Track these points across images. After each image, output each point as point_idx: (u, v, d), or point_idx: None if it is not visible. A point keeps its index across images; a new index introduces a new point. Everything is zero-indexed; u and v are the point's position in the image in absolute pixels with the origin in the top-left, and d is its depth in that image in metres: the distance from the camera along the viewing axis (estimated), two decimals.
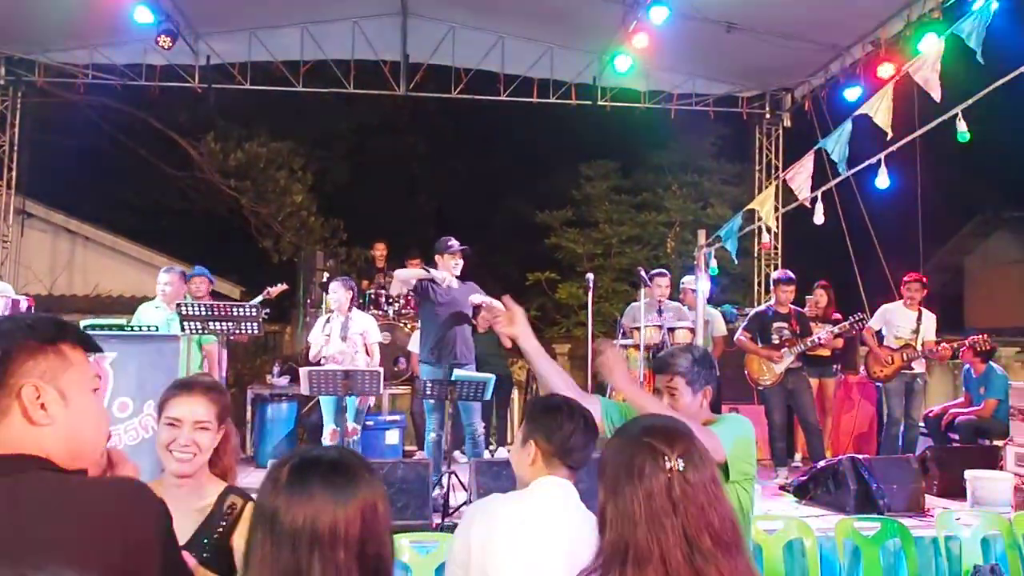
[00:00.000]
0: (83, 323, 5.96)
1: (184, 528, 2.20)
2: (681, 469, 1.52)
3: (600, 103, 10.35)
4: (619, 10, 8.87)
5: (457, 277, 6.35)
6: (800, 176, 4.09)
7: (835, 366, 7.43)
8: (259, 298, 7.48)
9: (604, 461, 1.62)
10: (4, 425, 1.28)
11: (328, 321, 6.66)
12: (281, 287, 7.70)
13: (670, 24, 8.46)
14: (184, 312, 5.43)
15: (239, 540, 2.25)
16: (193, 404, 2.27)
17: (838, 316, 7.63)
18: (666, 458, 1.53)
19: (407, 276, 6.33)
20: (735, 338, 7.18)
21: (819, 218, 4.14)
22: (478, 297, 6.17)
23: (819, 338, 6.84)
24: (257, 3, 9.22)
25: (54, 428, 1.30)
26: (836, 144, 3.82)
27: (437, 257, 6.37)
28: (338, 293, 6.58)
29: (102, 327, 5.31)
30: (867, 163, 3.78)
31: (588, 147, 14.85)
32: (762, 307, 7.44)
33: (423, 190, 17.67)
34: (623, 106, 10.55)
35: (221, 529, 2.24)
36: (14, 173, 10.27)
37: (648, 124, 11.64)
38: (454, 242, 6.34)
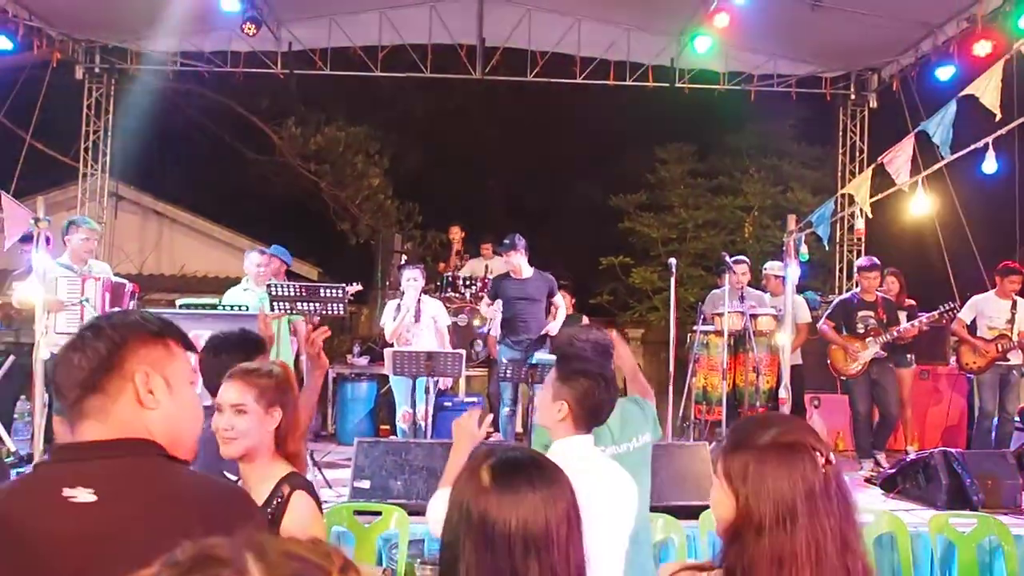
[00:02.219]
0: (178, 302, 6.19)
1: None
2: (832, 462, 1.48)
3: (678, 85, 10.19)
4: None
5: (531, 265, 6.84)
6: (899, 160, 3.94)
7: (909, 356, 7.12)
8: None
9: (737, 468, 1.51)
10: (118, 405, 1.36)
11: (399, 307, 6.70)
12: (356, 287, 7.60)
13: (752, 3, 8.27)
14: (273, 292, 5.58)
15: (287, 528, 2.23)
16: (229, 388, 2.33)
17: (911, 302, 7.39)
18: (818, 452, 1.48)
19: (490, 315, 7.18)
20: (818, 327, 7.01)
21: (922, 205, 3.99)
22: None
23: (904, 328, 6.62)
24: None
25: (159, 413, 1.38)
26: (939, 126, 3.67)
27: (504, 255, 6.89)
28: (417, 279, 6.63)
29: (196, 306, 5.48)
30: (973, 147, 3.63)
31: (663, 130, 14.64)
32: (847, 295, 7.24)
33: (494, 174, 17.70)
34: (701, 88, 10.37)
35: (269, 518, 2.24)
36: (108, 158, 10.69)
37: (726, 106, 11.41)
38: (507, 240, 6.83)
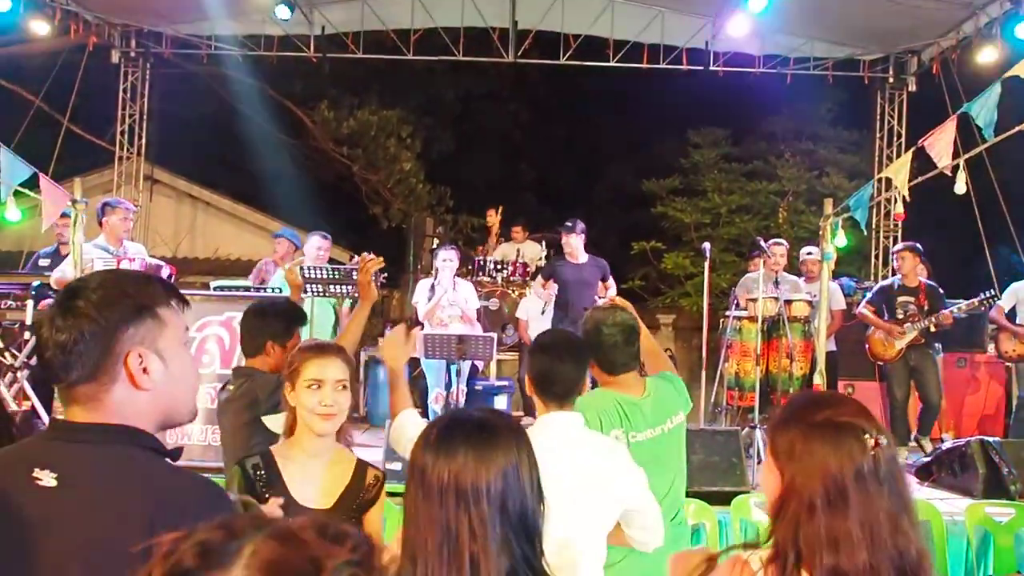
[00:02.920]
0: (212, 284, 6.26)
1: (327, 488, 2.30)
2: (885, 444, 1.46)
3: (712, 68, 10.07)
4: None
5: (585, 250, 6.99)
6: (941, 142, 3.85)
7: (937, 344, 6.96)
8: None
9: (785, 446, 1.51)
10: (110, 392, 1.32)
11: (432, 288, 6.73)
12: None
13: None
14: (306, 275, 5.61)
15: (375, 514, 2.36)
16: (332, 365, 2.33)
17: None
18: (867, 435, 1.46)
19: (542, 297, 7.30)
20: (857, 311, 6.91)
21: (961, 188, 3.90)
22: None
23: (942, 314, 6.49)
24: None
25: (155, 391, 1.35)
26: (983, 108, 3.59)
27: (565, 236, 6.98)
28: (452, 260, 6.66)
29: (230, 287, 5.53)
30: (1017, 129, 3.53)
31: (696, 114, 14.49)
32: (888, 280, 7.13)
33: (525, 158, 17.67)
34: (736, 71, 10.23)
35: (360, 502, 2.33)
36: (143, 141, 10.83)
37: (761, 90, 11.24)
38: (569, 223, 6.95)
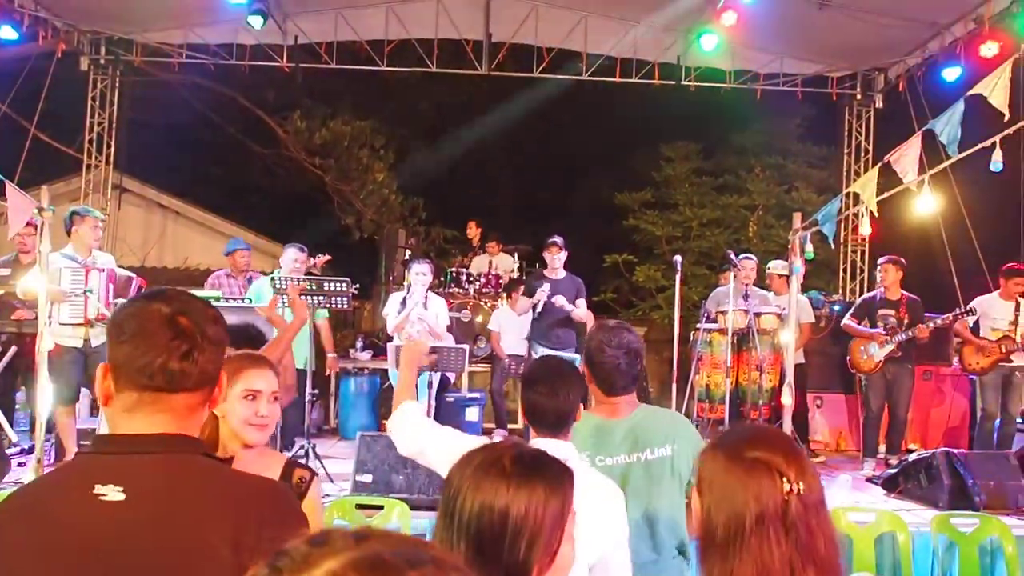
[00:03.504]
0: None
1: None
2: (800, 492, 1.41)
3: (684, 83, 10.18)
4: None
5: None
6: (906, 158, 3.93)
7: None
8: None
9: (709, 474, 1.50)
10: (194, 408, 1.38)
11: (404, 301, 6.67)
12: (325, 257, 7.55)
13: (760, 2, 8.26)
14: (277, 285, 5.58)
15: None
16: (267, 376, 2.33)
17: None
18: (784, 478, 1.41)
19: (524, 308, 7.19)
20: (842, 323, 7.02)
21: (928, 204, 3.98)
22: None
23: (917, 328, 6.59)
24: None
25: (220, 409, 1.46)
26: (946, 125, 3.66)
27: (546, 253, 7.15)
28: (426, 274, 6.60)
29: (206, 299, 5.45)
30: (981, 146, 3.61)
31: (668, 128, 14.62)
32: (871, 293, 7.25)
33: (500, 171, 17.70)
34: (707, 86, 10.35)
35: None
36: (112, 149, 10.70)
37: (732, 104, 11.41)
38: (554, 238, 7.13)
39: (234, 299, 6.20)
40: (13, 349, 5.75)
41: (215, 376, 1.39)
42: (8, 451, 5.44)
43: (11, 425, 6.01)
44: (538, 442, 2.39)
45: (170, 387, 1.32)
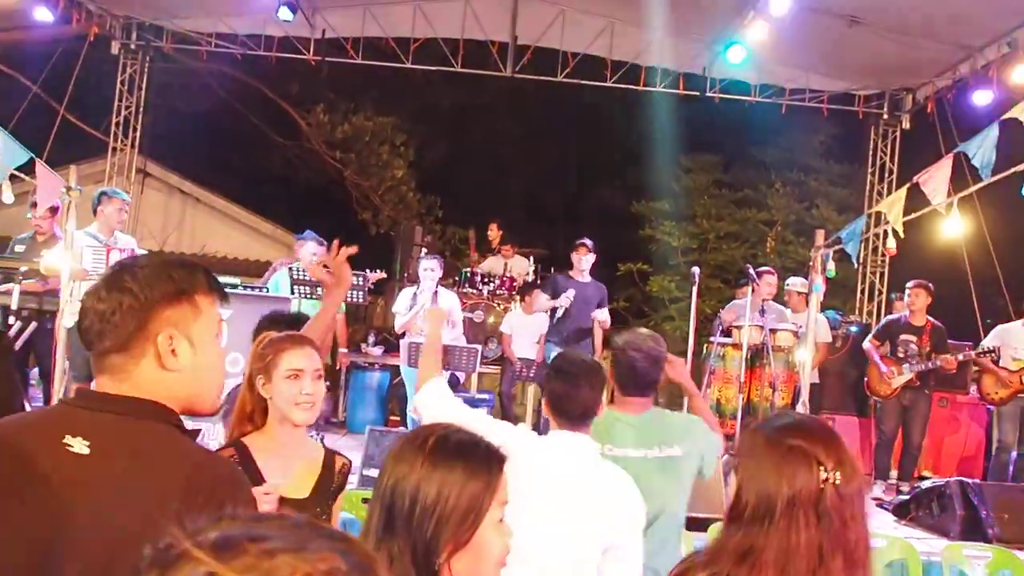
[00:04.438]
0: None
1: (301, 478, 2.32)
2: (837, 482, 1.44)
3: (708, 94, 10.15)
4: None
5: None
6: (935, 180, 3.89)
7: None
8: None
9: (745, 455, 1.55)
10: (138, 366, 1.37)
11: (415, 296, 6.70)
12: (380, 274, 7.59)
13: (789, 16, 8.20)
14: (294, 276, 5.59)
15: (341, 502, 2.41)
16: (309, 355, 2.34)
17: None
18: (821, 467, 1.44)
19: (542, 308, 7.20)
20: (864, 344, 6.94)
21: (955, 227, 3.93)
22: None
23: (944, 359, 6.50)
24: None
25: (181, 374, 1.38)
26: (979, 148, 3.62)
27: (575, 254, 7.10)
28: (435, 270, 6.64)
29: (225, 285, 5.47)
30: (1014, 170, 3.57)
31: (688, 138, 14.54)
32: (896, 315, 7.17)
33: (516, 173, 17.69)
34: (731, 98, 10.31)
35: (331, 490, 2.35)
36: (138, 134, 10.76)
37: (755, 118, 11.35)
38: (584, 240, 7.09)
39: (254, 288, 6.20)
40: (33, 325, 5.79)
41: (140, 333, 1.35)
42: None
43: (28, 401, 6.04)
44: (557, 434, 2.45)
45: (98, 347, 1.38)
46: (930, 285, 6.77)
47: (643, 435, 2.82)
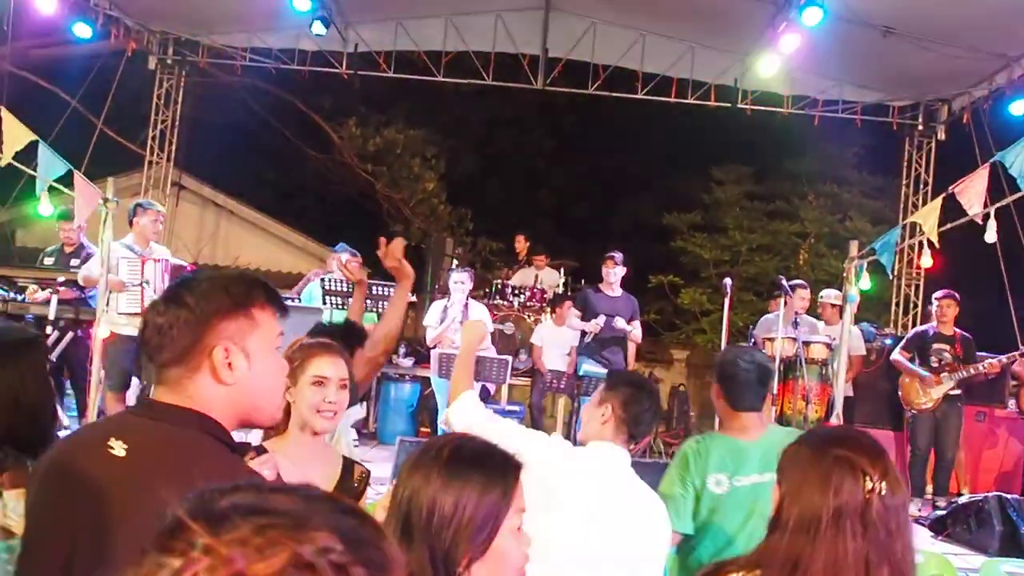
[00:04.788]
0: None
1: (320, 485, 2.30)
2: (883, 492, 1.44)
3: (740, 106, 10.09)
4: (769, 10, 8.60)
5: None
6: (971, 190, 3.83)
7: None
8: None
9: (789, 466, 1.55)
10: (194, 380, 1.38)
11: (446, 308, 6.75)
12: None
13: (823, 26, 8.14)
14: (326, 287, 5.64)
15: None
16: (337, 363, 2.34)
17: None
18: (867, 477, 1.45)
19: (574, 326, 7.23)
20: (892, 357, 6.84)
21: (991, 236, 3.88)
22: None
23: (987, 364, 6.39)
24: None
25: (237, 387, 1.39)
26: (1016, 157, 3.57)
27: (606, 267, 7.04)
28: (466, 283, 6.68)
29: None
30: None
31: (720, 150, 14.50)
32: (923, 327, 7.06)
33: (545, 186, 17.73)
34: (763, 110, 10.25)
35: (352, 498, 2.32)
36: (173, 147, 10.95)
37: (787, 130, 11.28)
38: (614, 253, 7.02)
39: (286, 298, 6.28)
40: (70, 335, 5.90)
41: (196, 347, 1.38)
42: (60, 434, 5.56)
43: (62, 409, 6.15)
44: (606, 446, 2.43)
45: (157, 360, 1.40)
46: (957, 296, 6.69)
47: (765, 458, 2.67)
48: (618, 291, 7.05)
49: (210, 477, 1.29)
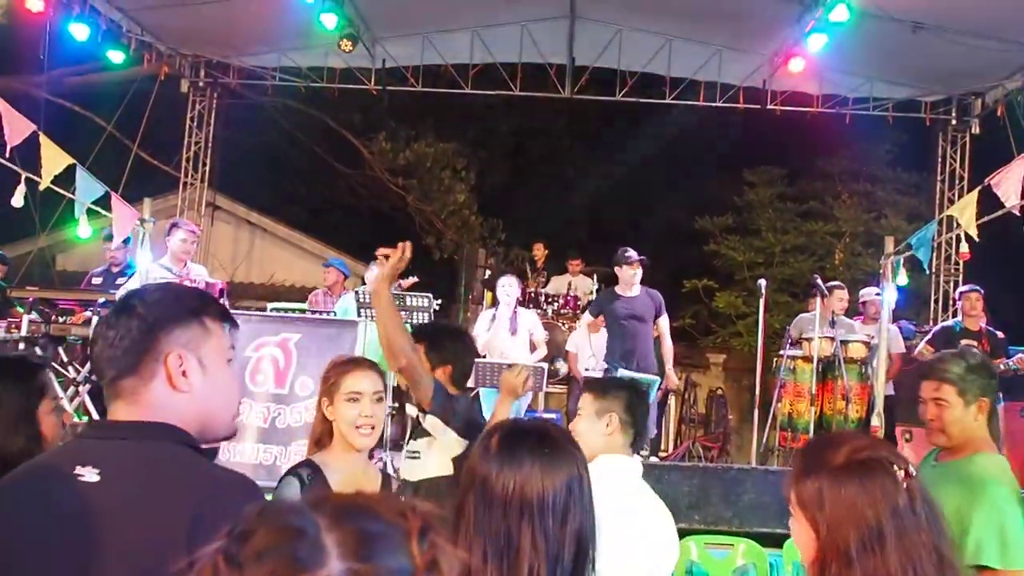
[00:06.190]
0: (270, 306, 6.38)
1: None
2: (913, 473, 1.40)
3: (769, 107, 10.02)
4: (796, 9, 8.54)
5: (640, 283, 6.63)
6: (1008, 182, 3.77)
7: (999, 392, 6.73)
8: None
9: (809, 499, 1.43)
10: (149, 389, 1.36)
11: (494, 318, 6.76)
12: (411, 280, 7.63)
13: (850, 24, 8.07)
14: (360, 299, 5.70)
15: None
16: (368, 377, 2.37)
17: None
18: (895, 466, 1.40)
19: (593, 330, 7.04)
20: (916, 351, 6.75)
21: None
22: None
23: (1012, 362, 6.29)
24: (432, 8, 9.55)
25: (191, 395, 1.37)
26: None
27: (616, 269, 6.58)
28: (512, 288, 6.69)
29: (287, 310, 5.64)
30: None
31: (751, 152, 14.40)
32: (950, 321, 6.96)
33: (577, 193, 17.72)
34: (793, 110, 10.16)
35: None
36: (207, 168, 11.14)
37: (818, 129, 11.15)
38: (631, 252, 6.49)
39: (321, 312, 6.35)
40: None
41: (149, 354, 1.35)
42: None
43: None
44: (622, 459, 2.42)
45: (109, 373, 1.37)
46: (982, 290, 6.62)
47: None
48: (636, 290, 6.57)
49: (199, 488, 1.31)
